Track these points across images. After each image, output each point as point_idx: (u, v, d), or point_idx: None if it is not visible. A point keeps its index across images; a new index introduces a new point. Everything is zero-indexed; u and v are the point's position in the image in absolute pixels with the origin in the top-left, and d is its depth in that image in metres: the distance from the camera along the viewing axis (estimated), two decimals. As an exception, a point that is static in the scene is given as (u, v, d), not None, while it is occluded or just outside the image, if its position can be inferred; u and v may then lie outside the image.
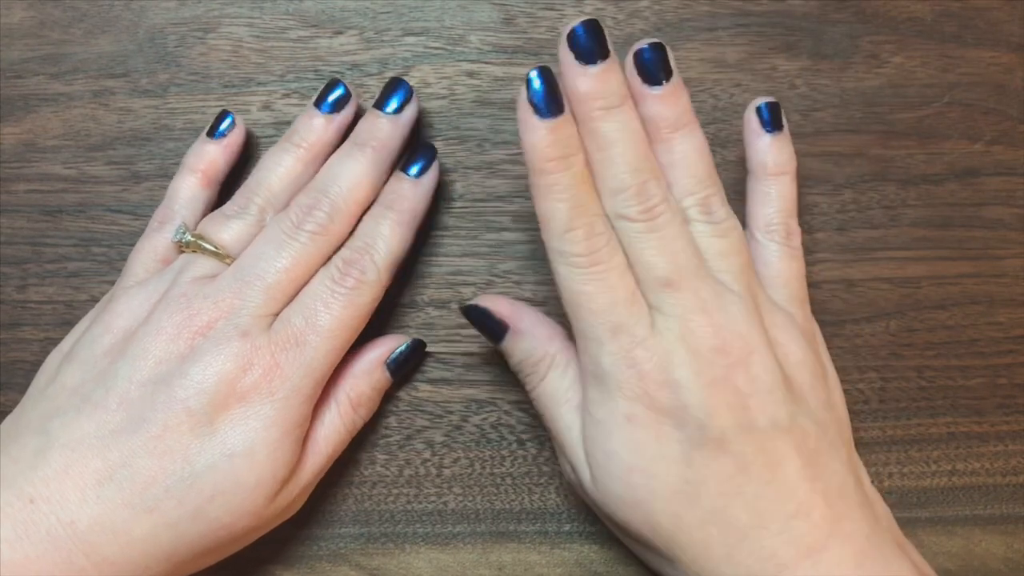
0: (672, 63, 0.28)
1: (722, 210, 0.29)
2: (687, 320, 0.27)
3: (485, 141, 0.35)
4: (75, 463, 0.27)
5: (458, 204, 0.35)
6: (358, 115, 0.33)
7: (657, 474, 0.27)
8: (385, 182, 0.32)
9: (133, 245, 0.34)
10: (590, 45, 0.27)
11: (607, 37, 0.27)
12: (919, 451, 0.34)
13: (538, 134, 0.27)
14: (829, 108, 0.35)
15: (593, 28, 0.27)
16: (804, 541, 0.27)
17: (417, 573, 0.34)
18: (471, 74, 0.35)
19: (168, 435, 0.28)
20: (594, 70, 0.27)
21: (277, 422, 0.28)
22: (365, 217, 0.31)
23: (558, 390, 0.30)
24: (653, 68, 0.28)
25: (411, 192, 0.32)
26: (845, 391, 0.34)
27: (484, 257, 0.35)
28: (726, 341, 0.27)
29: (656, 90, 0.28)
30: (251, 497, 0.28)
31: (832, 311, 0.35)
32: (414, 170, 0.32)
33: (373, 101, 0.32)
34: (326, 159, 0.32)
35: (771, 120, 0.31)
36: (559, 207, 0.27)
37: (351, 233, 0.31)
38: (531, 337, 0.31)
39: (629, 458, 0.28)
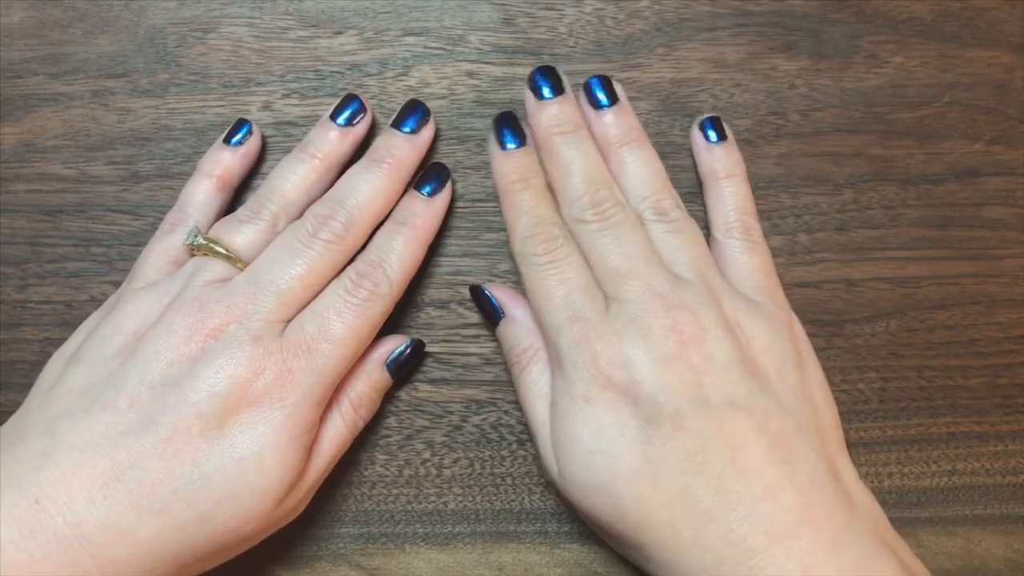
0: (617, 89, 0.33)
1: (675, 211, 0.32)
2: (639, 303, 0.29)
3: (485, 141, 0.35)
4: (83, 464, 0.27)
5: (458, 204, 0.35)
6: (372, 130, 0.34)
7: (617, 454, 0.28)
8: (399, 199, 0.33)
9: (133, 245, 0.34)
10: (546, 83, 0.32)
11: (561, 77, 0.33)
12: (919, 451, 0.34)
13: (501, 161, 0.32)
14: (829, 108, 0.35)
15: (548, 71, 0.33)
16: (774, 526, 0.27)
17: (417, 573, 0.34)
18: (471, 74, 0.35)
19: (177, 438, 0.28)
20: (550, 104, 0.32)
21: (287, 427, 0.29)
22: (379, 232, 0.32)
23: (536, 383, 0.31)
24: (599, 94, 0.33)
25: (424, 210, 0.32)
26: (845, 391, 0.34)
27: (484, 257, 0.35)
28: (677, 320, 0.29)
29: (603, 112, 0.33)
30: (259, 501, 0.28)
31: (832, 311, 0.35)
32: (427, 189, 0.33)
33: (390, 120, 0.33)
34: (339, 171, 0.33)
35: (715, 132, 0.34)
36: (521, 219, 0.31)
37: (363, 247, 0.32)
38: (520, 326, 0.32)
39: (590, 441, 0.28)
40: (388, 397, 0.34)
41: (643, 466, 0.28)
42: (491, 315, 0.33)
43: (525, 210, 0.31)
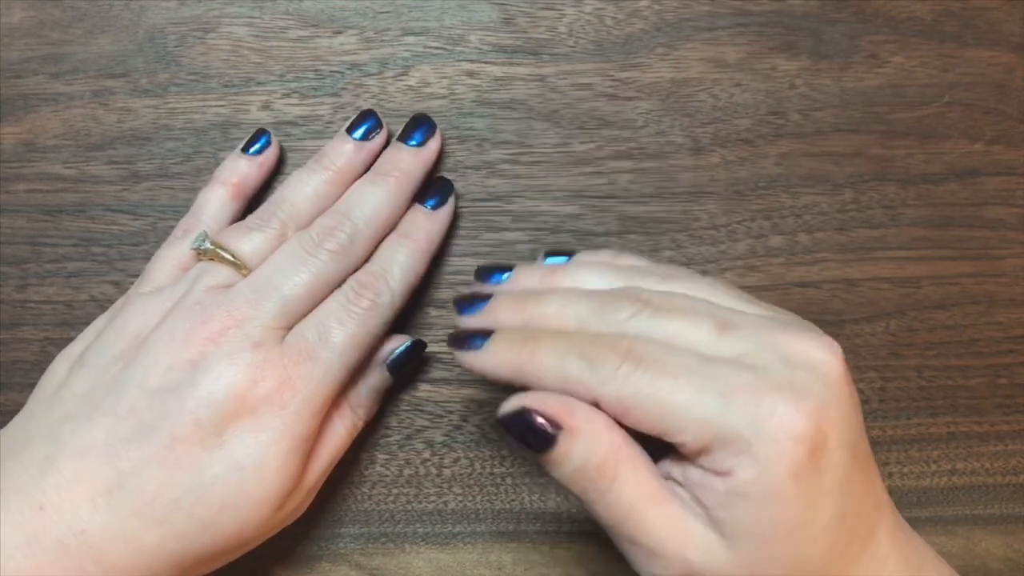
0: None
1: (659, 267, 0.29)
2: (771, 343, 0.25)
3: (485, 141, 0.35)
4: (85, 471, 0.27)
5: (459, 204, 0.35)
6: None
7: (817, 519, 0.24)
8: (404, 211, 0.33)
9: (133, 245, 0.34)
10: (472, 303, 0.29)
11: (473, 294, 0.29)
12: (919, 451, 0.34)
13: (490, 351, 0.27)
14: (829, 108, 0.35)
15: (462, 299, 0.29)
16: (890, 538, 0.26)
17: (417, 573, 0.34)
18: (471, 74, 0.35)
19: (177, 446, 0.27)
20: (494, 301, 0.28)
21: (287, 436, 0.28)
22: (383, 244, 0.32)
23: (640, 486, 0.25)
24: (494, 274, 0.30)
25: (427, 223, 0.33)
26: (845, 391, 0.34)
27: (484, 257, 0.35)
28: (824, 339, 0.25)
29: (512, 275, 0.30)
30: (259, 509, 0.28)
31: (832, 311, 0.35)
32: (431, 203, 0.33)
33: (397, 135, 0.33)
34: (350, 185, 0.33)
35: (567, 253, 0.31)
36: (563, 360, 0.25)
37: (368, 258, 0.32)
38: (592, 434, 0.25)
39: (797, 517, 0.24)
40: (388, 397, 0.34)
41: (832, 520, 0.24)
42: (541, 440, 0.25)
43: (558, 353, 0.26)
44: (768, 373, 0.24)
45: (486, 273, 0.30)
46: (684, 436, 0.24)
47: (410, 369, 0.34)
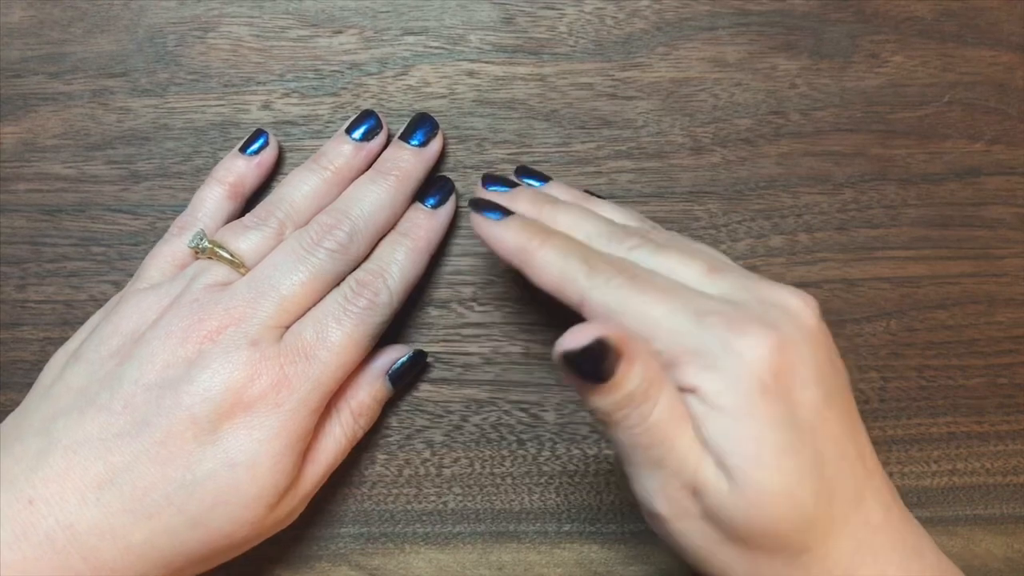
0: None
1: (647, 223, 0.31)
2: (754, 288, 0.27)
3: (485, 141, 0.35)
4: (76, 465, 0.27)
5: (458, 204, 0.35)
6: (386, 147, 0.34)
7: (799, 448, 0.25)
8: (404, 211, 0.33)
9: (133, 244, 0.34)
10: (500, 184, 0.32)
11: (501, 184, 0.32)
12: (919, 451, 0.34)
13: (507, 227, 0.28)
14: (829, 107, 0.35)
15: (492, 177, 0.32)
16: (882, 503, 0.27)
17: (417, 573, 0.34)
18: (471, 73, 0.35)
19: (171, 441, 0.27)
20: (519, 190, 0.31)
21: (281, 434, 0.28)
22: (382, 242, 0.32)
23: (673, 407, 0.25)
24: (506, 185, 0.32)
25: (427, 222, 0.33)
26: (845, 391, 0.34)
27: (484, 257, 0.35)
28: (804, 296, 0.27)
29: (516, 190, 0.31)
30: (251, 507, 0.28)
31: (832, 311, 0.35)
32: (431, 202, 0.33)
33: (399, 133, 0.33)
34: (350, 184, 0.33)
35: (538, 173, 0.34)
36: (567, 259, 0.27)
37: (367, 257, 0.32)
38: (643, 359, 0.25)
39: (773, 437, 0.24)
40: (389, 400, 0.34)
41: (815, 458, 0.25)
42: (606, 368, 0.25)
43: (564, 253, 0.27)
44: (744, 307, 0.26)
45: (523, 174, 0.33)
46: (657, 345, 0.26)
47: (411, 379, 0.34)
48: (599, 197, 0.33)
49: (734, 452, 0.25)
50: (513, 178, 0.33)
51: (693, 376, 0.25)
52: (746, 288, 0.27)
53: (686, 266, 0.27)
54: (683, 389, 0.25)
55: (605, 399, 0.25)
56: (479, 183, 0.32)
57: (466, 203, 0.35)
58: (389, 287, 0.31)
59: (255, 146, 0.34)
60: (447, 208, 0.33)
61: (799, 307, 0.26)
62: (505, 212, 0.29)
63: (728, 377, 0.25)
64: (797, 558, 0.25)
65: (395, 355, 0.33)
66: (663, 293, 0.26)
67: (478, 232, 0.29)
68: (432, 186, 0.33)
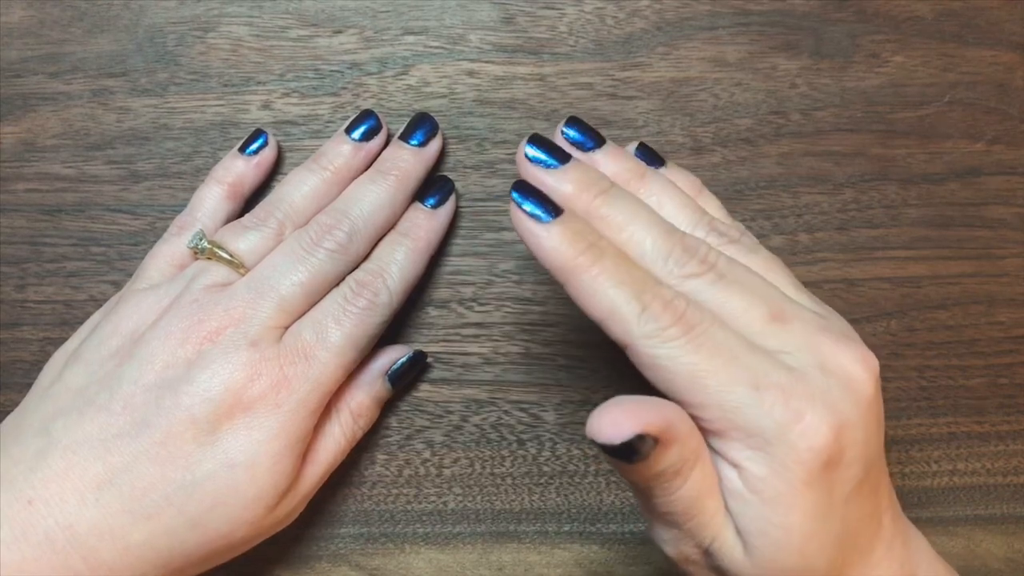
0: (592, 128, 0.29)
1: (731, 229, 0.28)
2: (816, 346, 0.25)
3: (485, 140, 0.35)
4: (75, 466, 0.27)
5: (459, 204, 0.35)
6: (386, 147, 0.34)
7: (828, 531, 0.24)
8: (404, 210, 0.33)
9: (133, 244, 0.34)
10: (545, 153, 0.27)
11: (553, 140, 0.28)
12: (920, 451, 0.34)
13: (551, 237, 0.25)
14: (829, 107, 0.35)
15: (541, 140, 0.27)
16: (894, 563, 0.27)
17: (417, 573, 0.34)
18: (471, 73, 0.35)
19: (170, 442, 0.27)
20: (569, 169, 0.26)
21: (280, 435, 0.28)
22: (382, 242, 0.32)
23: (703, 482, 0.25)
24: (579, 138, 0.29)
25: (426, 222, 0.32)
26: (846, 391, 0.34)
27: (484, 257, 0.35)
28: (861, 354, 0.25)
29: (594, 154, 0.29)
30: (250, 508, 0.28)
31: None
32: (431, 201, 0.33)
33: (399, 132, 0.33)
34: (349, 184, 0.33)
35: (654, 154, 0.31)
36: (619, 292, 0.24)
37: (366, 257, 0.32)
38: (680, 443, 0.24)
39: (809, 526, 0.24)
40: (388, 399, 0.34)
41: (840, 531, 0.25)
42: (638, 454, 0.23)
43: (616, 282, 0.24)
44: (804, 378, 0.24)
45: (574, 127, 0.29)
46: (705, 414, 0.24)
47: (410, 380, 0.34)
48: (660, 161, 0.30)
49: (761, 534, 0.24)
50: (564, 138, 0.29)
51: (738, 453, 0.24)
52: (809, 347, 0.24)
53: (750, 309, 0.25)
54: (726, 460, 0.24)
55: (633, 474, 0.24)
56: (523, 144, 0.27)
57: (465, 203, 0.35)
58: (389, 287, 0.31)
59: (254, 146, 0.34)
60: (447, 208, 0.33)
61: (862, 379, 0.25)
62: (550, 207, 0.25)
63: (776, 465, 0.24)
64: None
65: (395, 355, 0.33)
66: (719, 357, 0.24)
67: (518, 231, 0.25)
68: (432, 186, 0.33)
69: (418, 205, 0.33)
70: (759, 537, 0.24)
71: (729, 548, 0.25)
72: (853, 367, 0.25)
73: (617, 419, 0.23)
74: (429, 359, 0.34)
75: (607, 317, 0.24)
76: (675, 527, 0.25)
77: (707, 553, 0.25)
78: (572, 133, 0.29)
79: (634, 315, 0.24)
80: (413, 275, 0.32)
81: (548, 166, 0.26)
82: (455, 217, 0.34)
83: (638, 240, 0.26)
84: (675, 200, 0.28)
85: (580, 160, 0.27)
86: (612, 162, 0.29)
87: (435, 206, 0.33)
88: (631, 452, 0.23)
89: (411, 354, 0.33)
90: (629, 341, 0.24)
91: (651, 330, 0.24)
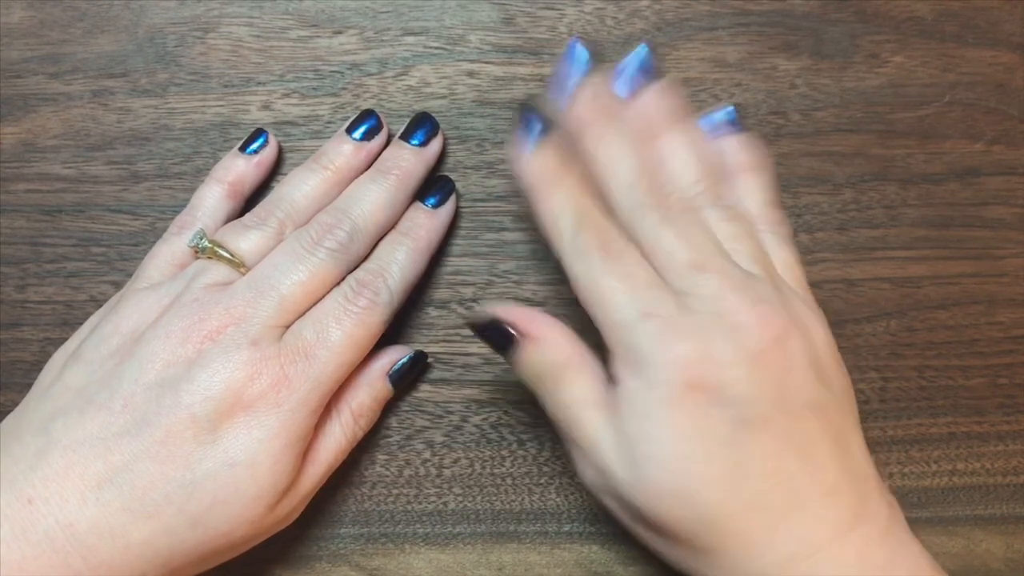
0: (658, 65, 0.31)
1: (730, 196, 0.30)
2: (722, 299, 0.27)
3: (485, 141, 0.35)
4: (76, 465, 0.27)
5: (458, 204, 0.35)
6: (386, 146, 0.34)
7: (703, 459, 0.26)
8: (404, 210, 0.33)
9: (133, 245, 0.34)
10: (575, 68, 0.30)
11: (586, 58, 0.30)
12: (920, 451, 0.34)
13: (528, 156, 0.29)
14: (829, 108, 0.35)
15: (578, 51, 0.30)
16: (836, 521, 0.26)
17: (417, 573, 0.34)
18: (471, 74, 0.35)
19: (171, 440, 0.27)
20: (583, 89, 0.30)
21: (280, 434, 0.28)
22: (382, 242, 0.32)
23: (583, 392, 0.28)
24: (641, 72, 0.31)
25: (427, 221, 0.33)
26: (845, 391, 0.34)
27: (484, 257, 0.35)
28: (765, 316, 0.27)
29: (651, 89, 0.30)
30: (251, 507, 0.28)
31: (832, 311, 0.35)
32: (432, 201, 0.33)
33: (400, 132, 0.33)
34: (350, 184, 0.33)
35: (737, 123, 0.32)
36: (565, 213, 0.28)
37: (367, 256, 0.32)
38: (549, 343, 0.29)
39: (676, 445, 0.26)
40: (389, 400, 0.34)
41: (728, 471, 0.26)
42: (505, 342, 0.29)
43: (568, 204, 0.28)
44: (693, 317, 0.27)
45: (645, 63, 0.31)
46: (602, 331, 0.28)
47: (411, 380, 0.34)
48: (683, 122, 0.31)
49: (640, 449, 0.27)
50: (630, 61, 0.31)
51: (619, 370, 0.28)
52: (715, 298, 0.27)
53: (672, 253, 0.28)
54: (613, 376, 0.28)
55: (518, 371, 0.29)
56: (569, 45, 0.30)
57: (465, 203, 0.35)
58: (389, 287, 0.31)
59: (255, 145, 0.34)
60: (448, 208, 0.33)
61: (753, 333, 0.27)
62: (547, 127, 0.29)
63: (644, 380, 0.27)
64: (705, 556, 0.27)
65: (396, 356, 0.33)
66: (624, 283, 0.27)
67: (514, 152, 0.29)
68: (433, 186, 0.33)
69: (419, 205, 0.33)
70: (632, 449, 0.27)
71: (619, 468, 0.27)
72: (748, 321, 0.27)
73: (487, 310, 0.29)
74: (429, 359, 0.34)
75: (549, 233, 0.29)
76: (571, 444, 0.29)
77: (604, 476, 0.28)
78: (635, 66, 0.31)
79: (570, 233, 0.28)
80: (414, 275, 0.32)
81: (579, 72, 0.30)
82: (455, 217, 0.34)
83: (614, 168, 0.29)
84: (687, 157, 0.30)
85: (596, 82, 0.30)
86: (655, 101, 0.30)
87: (436, 206, 0.33)
88: (492, 334, 0.29)
89: (412, 354, 0.33)
90: (560, 254, 0.28)
91: (578, 247, 0.28)
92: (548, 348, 0.29)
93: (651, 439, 0.27)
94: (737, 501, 0.26)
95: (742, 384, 0.26)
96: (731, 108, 0.32)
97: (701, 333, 0.27)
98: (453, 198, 0.34)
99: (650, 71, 0.31)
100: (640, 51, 0.31)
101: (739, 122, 0.32)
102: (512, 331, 0.29)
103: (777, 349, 0.27)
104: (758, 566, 0.26)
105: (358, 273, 0.31)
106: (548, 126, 0.29)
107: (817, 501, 0.27)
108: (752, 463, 0.26)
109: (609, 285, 0.27)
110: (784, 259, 0.30)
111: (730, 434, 0.26)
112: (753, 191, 0.31)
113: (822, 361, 0.28)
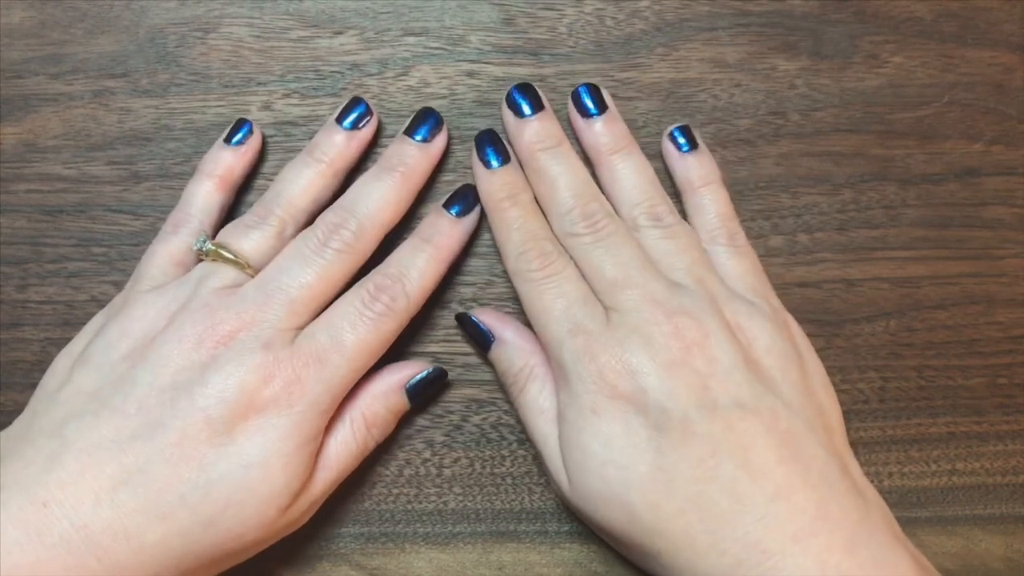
0: (606, 97, 0.34)
1: (669, 216, 0.32)
2: (639, 311, 0.29)
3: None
4: (90, 467, 0.27)
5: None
6: (378, 133, 0.34)
7: (629, 464, 0.28)
8: (409, 207, 0.33)
9: (133, 245, 0.34)
10: (524, 100, 0.33)
11: (539, 93, 0.33)
12: (919, 451, 0.34)
13: (486, 180, 0.33)
14: (829, 108, 0.35)
15: (525, 88, 0.33)
16: (790, 526, 0.26)
17: (417, 573, 0.34)
18: (471, 74, 0.35)
19: (186, 443, 0.28)
20: (531, 120, 0.33)
21: (292, 435, 0.28)
22: (402, 246, 0.32)
23: (536, 400, 0.31)
24: (587, 102, 0.33)
25: (450, 229, 0.32)
26: (845, 391, 0.34)
27: (484, 257, 0.35)
28: (679, 326, 0.29)
29: (593, 120, 0.33)
30: (263, 508, 0.28)
31: (832, 311, 0.35)
32: (456, 209, 0.33)
33: (403, 128, 0.33)
34: (346, 174, 0.33)
35: (686, 140, 0.34)
36: (512, 235, 0.31)
37: (378, 258, 0.32)
38: (512, 347, 0.32)
39: (601, 452, 0.28)
40: (405, 413, 0.34)
41: (655, 474, 0.28)
42: (481, 340, 0.33)
43: (516, 227, 0.31)
44: (614, 332, 0.29)
45: (591, 96, 0.34)
46: (544, 347, 0.31)
47: (429, 396, 0.34)
48: (627, 150, 0.33)
49: (573, 457, 0.29)
50: (576, 96, 0.34)
51: (556, 383, 0.30)
52: (635, 310, 0.29)
53: (598, 272, 0.30)
54: (553, 391, 0.31)
55: (496, 369, 0.33)
56: (512, 87, 0.33)
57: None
58: (407, 293, 0.31)
59: (239, 136, 0.34)
60: (471, 218, 0.33)
61: (664, 337, 0.29)
62: (501, 155, 0.33)
63: (571, 393, 0.29)
64: (656, 559, 0.28)
65: (415, 369, 0.33)
66: (558, 302, 0.30)
67: (473, 169, 0.33)
68: (457, 194, 0.33)
69: (443, 211, 0.33)
70: (568, 458, 0.29)
71: (557, 471, 0.30)
72: (662, 331, 0.29)
73: (470, 312, 0.33)
74: (429, 358, 0.34)
75: (501, 249, 0.32)
76: (536, 450, 0.32)
77: (552, 480, 0.31)
78: (584, 98, 0.34)
79: (515, 253, 0.31)
80: (432, 282, 0.32)
81: (521, 114, 0.33)
82: None
83: (554, 194, 0.32)
84: (633, 180, 0.33)
85: (547, 114, 0.33)
86: (603, 131, 0.33)
87: (460, 215, 0.33)
88: (472, 332, 0.33)
89: (432, 370, 0.33)
90: (510, 274, 0.32)
91: (520, 268, 0.31)
92: (511, 352, 0.32)
93: (581, 448, 0.29)
94: (671, 504, 0.27)
95: (658, 391, 0.28)
96: (684, 125, 0.34)
97: (620, 345, 0.29)
98: (477, 209, 0.33)
99: (599, 101, 0.33)
100: (586, 85, 0.34)
101: (691, 136, 0.34)
102: (488, 331, 0.33)
103: (693, 356, 0.28)
104: (705, 571, 0.27)
105: (376, 277, 0.31)
106: (504, 153, 0.33)
107: (762, 505, 0.27)
108: (679, 465, 0.27)
109: (544, 303, 0.30)
110: (736, 269, 0.32)
111: (651, 438, 0.28)
112: (710, 204, 0.33)
113: (762, 364, 0.29)
